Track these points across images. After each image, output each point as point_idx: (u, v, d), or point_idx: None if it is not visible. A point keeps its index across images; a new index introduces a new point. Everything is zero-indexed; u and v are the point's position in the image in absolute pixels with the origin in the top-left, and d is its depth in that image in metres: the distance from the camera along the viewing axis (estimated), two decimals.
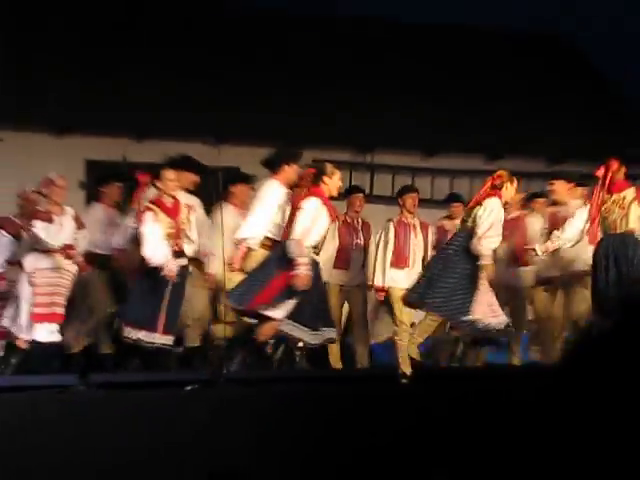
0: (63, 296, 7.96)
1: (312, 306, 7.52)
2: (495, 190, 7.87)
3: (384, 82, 13.27)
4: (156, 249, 7.58)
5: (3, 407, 5.86)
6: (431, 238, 9.08)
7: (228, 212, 8.23)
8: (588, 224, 8.07)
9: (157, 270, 7.54)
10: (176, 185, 7.86)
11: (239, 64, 12.84)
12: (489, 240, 7.76)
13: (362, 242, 9.01)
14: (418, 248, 8.91)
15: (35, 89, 11.38)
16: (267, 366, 7.96)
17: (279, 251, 7.50)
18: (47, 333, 7.84)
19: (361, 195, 9.28)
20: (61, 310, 7.92)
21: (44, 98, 11.30)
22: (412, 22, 14.56)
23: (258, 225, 7.74)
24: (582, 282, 8.71)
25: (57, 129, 11.28)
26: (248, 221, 7.81)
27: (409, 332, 8.74)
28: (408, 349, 8.47)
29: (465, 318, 7.76)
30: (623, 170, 8.11)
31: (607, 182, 8.01)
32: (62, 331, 7.96)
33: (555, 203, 8.89)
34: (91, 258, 8.45)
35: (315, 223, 7.47)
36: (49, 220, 7.92)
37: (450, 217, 9.51)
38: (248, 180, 8.70)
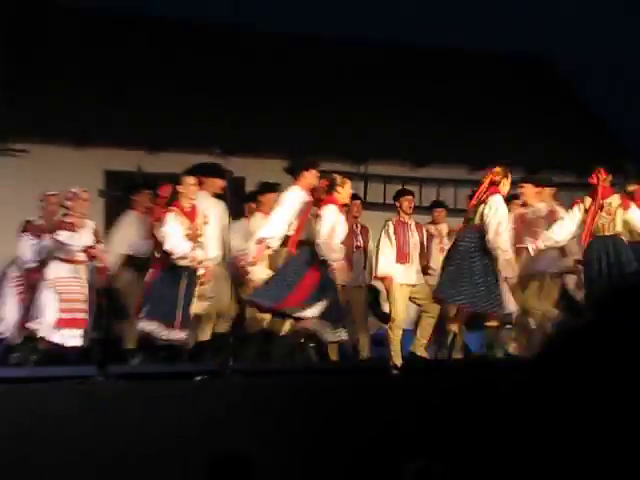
0: (84, 302, 7.92)
1: (336, 306, 7.64)
2: (495, 187, 7.90)
3: (378, 101, 13.27)
4: (177, 243, 7.60)
5: (28, 397, 5.84)
6: (426, 236, 9.10)
7: (257, 219, 8.33)
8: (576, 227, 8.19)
9: (176, 267, 7.56)
10: (196, 190, 7.88)
11: (245, 83, 12.83)
12: (503, 235, 7.80)
13: (362, 245, 9.03)
14: (415, 246, 8.91)
15: (57, 105, 11.35)
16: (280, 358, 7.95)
17: (305, 252, 7.54)
18: (69, 338, 7.80)
19: (359, 202, 9.34)
20: (83, 316, 7.89)
21: (66, 114, 11.28)
22: (405, 45, 14.56)
23: (278, 225, 7.74)
24: (554, 279, 8.75)
25: (78, 142, 11.25)
26: (269, 221, 7.84)
27: (401, 327, 8.73)
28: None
29: (500, 309, 7.81)
30: (609, 178, 8.21)
31: (603, 187, 8.12)
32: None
33: (524, 205, 8.92)
34: (128, 261, 8.43)
35: (335, 227, 7.57)
36: (72, 230, 7.91)
37: (434, 222, 9.51)
38: (275, 189, 8.69)
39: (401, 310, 8.69)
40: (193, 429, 5.85)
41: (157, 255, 7.78)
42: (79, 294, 7.89)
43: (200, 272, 7.75)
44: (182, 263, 7.60)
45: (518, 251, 8.40)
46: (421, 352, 8.48)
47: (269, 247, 7.76)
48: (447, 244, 9.11)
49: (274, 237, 7.72)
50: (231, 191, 8.10)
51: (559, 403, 1.48)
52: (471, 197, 8.88)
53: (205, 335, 8.30)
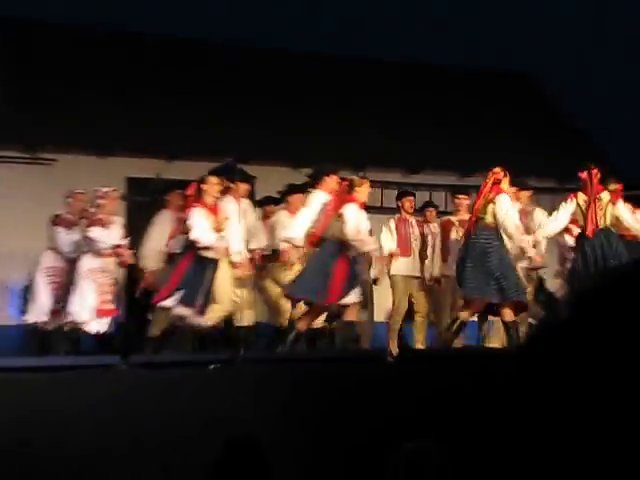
0: (113, 294, 7.99)
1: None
2: (498, 186, 7.85)
3: (377, 114, 13.33)
4: (202, 234, 7.66)
5: (57, 384, 5.85)
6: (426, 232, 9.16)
7: (282, 216, 8.56)
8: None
9: (201, 258, 7.61)
10: (219, 188, 7.97)
11: (252, 97, 12.85)
12: (520, 233, 7.77)
13: None
14: (416, 240, 8.98)
15: (83, 119, 11.37)
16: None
17: (329, 247, 7.58)
18: (101, 325, 7.87)
19: None
20: (112, 306, 7.96)
21: (91, 126, 11.29)
22: (406, 63, 14.76)
23: (301, 226, 7.84)
24: (529, 273, 8.75)
25: (102, 152, 11.27)
26: (294, 222, 7.94)
27: (401, 316, 8.74)
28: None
29: (524, 296, 7.84)
30: (599, 175, 8.17)
31: (594, 184, 8.06)
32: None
33: None
34: (165, 257, 8.44)
35: (359, 223, 7.62)
36: (103, 226, 7.99)
37: (425, 221, 9.54)
38: (301, 189, 8.75)
39: (401, 300, 8.70)
40: (207, 413, 5.86)
41: (186, 246, 7.84)
42: (109, 286, 7.97)
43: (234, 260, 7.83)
44: (207, 254, 7.66)
45: None
46: (421, 342, 8.49)
47: (296, 246, 7.86)
48: (438, 241, 9.18)
49: (298, 237, 7.82)
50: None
51: (540, 389, 1.49)
52: (454, 195, 8.98)
53: (242, 322, 8.29)
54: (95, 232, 7.96)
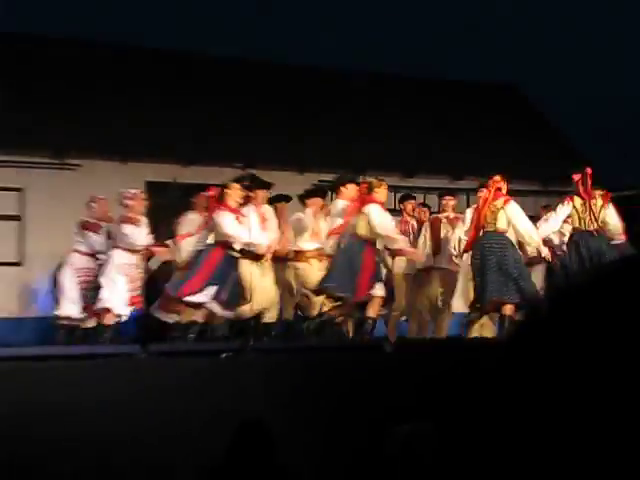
0: (140, 287, 8.07)
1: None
2: (500, 192, 7.70)
3: (375, 122, 13.31)
4: (237, 231, 7.66)
5: (83, 371, 5.85)
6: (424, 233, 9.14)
7: (307, 216, 8.49)
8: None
9: (231, 255, 7.60)
10: (242, 193, 7.97)
11: (259, 108, 12.83)
12: (536, 235, 7.64)
13: None
14: (415, 241, 8.98)
15: (104, 126, 11.36)
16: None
17: (355, 244, 7.53)
18: (131, 313, 7.97)
19: None
20: (140, 297, 8.04)
21: (113, 134, 11.28)
22: (406, 77, 14.79)
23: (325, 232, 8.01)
24: None
25: (122, 157, 11.26)
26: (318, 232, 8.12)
27: (401, 309, 8.72)
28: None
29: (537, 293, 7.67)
30: (589, 181, 7.99)
31: (588, 186, 7.89)
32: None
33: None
34: (190, 254, 8.43)
35: (385, 220, 7.60)
36: (135, 224, 8.02)
37: (419, 221, 9.51)
38: (320, 194, 8.74)
39: (402, 295, 8.69)
40: (220, 398, 5.83)
41: (213, 244, 7.82)
42: (137, 280, 8.02)
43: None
44: (237, 252, 7.66)
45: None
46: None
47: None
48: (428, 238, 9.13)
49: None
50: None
51: (526, 379, 1.47)
52: (441, 196, 8.94)
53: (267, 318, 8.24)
54: (127, 229, 8.00)
